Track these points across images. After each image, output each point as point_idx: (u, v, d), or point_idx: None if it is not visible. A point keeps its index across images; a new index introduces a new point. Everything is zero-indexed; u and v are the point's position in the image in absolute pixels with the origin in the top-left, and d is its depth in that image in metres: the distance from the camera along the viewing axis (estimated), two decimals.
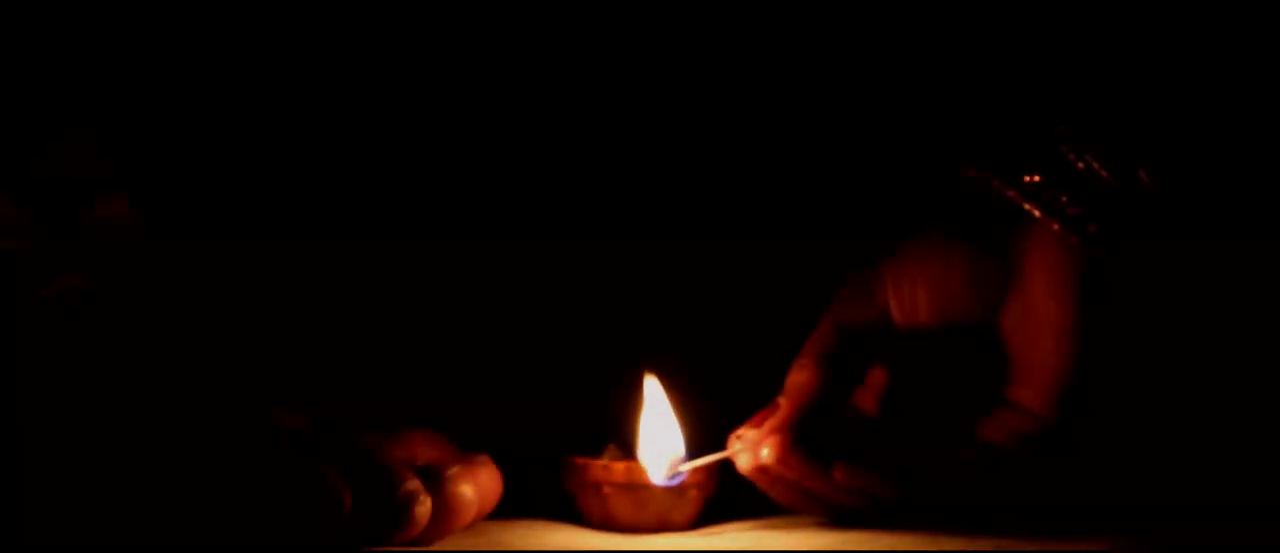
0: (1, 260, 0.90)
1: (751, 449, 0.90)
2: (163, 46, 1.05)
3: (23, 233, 0.92)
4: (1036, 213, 0.90)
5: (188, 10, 1.04)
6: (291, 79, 1.07)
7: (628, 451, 0.92)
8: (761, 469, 0.90)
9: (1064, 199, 0.89)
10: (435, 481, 0.84)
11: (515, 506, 0.90)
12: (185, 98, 1.06)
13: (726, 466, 0.92)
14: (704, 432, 0.93)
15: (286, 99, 1.07)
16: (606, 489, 0.91)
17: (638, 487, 0.91)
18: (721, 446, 0.92)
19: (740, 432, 0.91)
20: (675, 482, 0.91)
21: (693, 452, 0.92)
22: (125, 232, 1.01)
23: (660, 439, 0.91)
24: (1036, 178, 0.90)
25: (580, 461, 0.92)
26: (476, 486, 0.86)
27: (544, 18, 1.06)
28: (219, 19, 1.05)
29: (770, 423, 0.91)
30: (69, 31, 1.01)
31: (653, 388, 0.92)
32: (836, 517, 0.92)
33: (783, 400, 0.91)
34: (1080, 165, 0.89)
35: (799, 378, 0.91)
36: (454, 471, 0.85)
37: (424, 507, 0.83)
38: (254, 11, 1.05)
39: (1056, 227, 0.89)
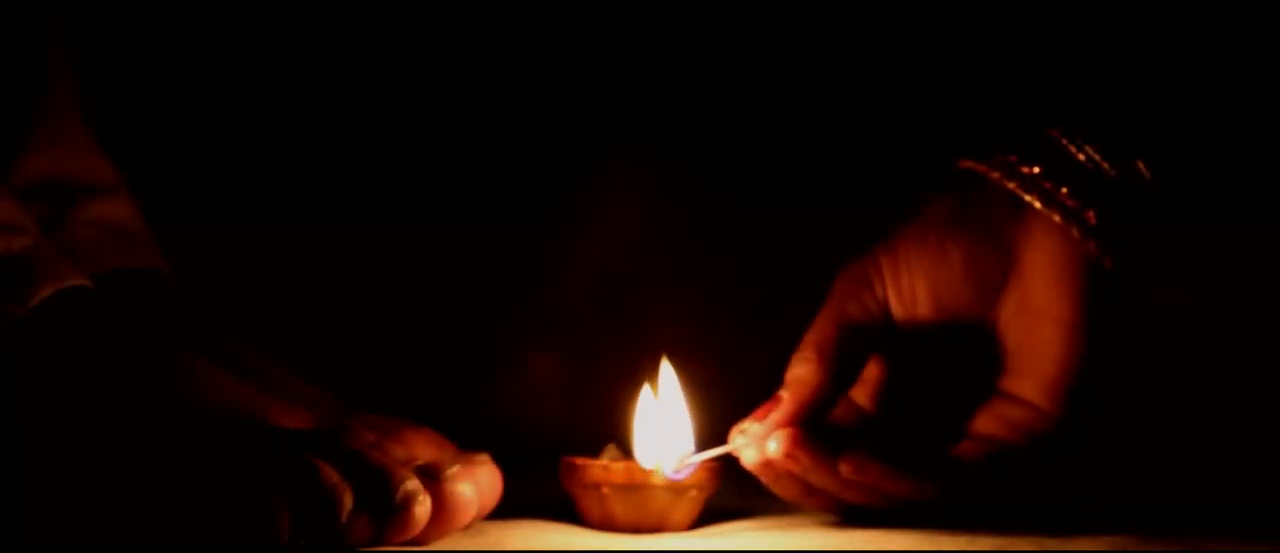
0: (1, 261, 0.90)
1: (757, 444, 0.88)
2: (160, 47, 1.05)
3: (23, 233, 0.92)
4: (1037, 204, 0.90)
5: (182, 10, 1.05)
6: (293, 80, 1.07)
7: (627, 451, 0.91)
8: (768, 464, 0.89)
9: (1064, 191, 0.89)
10: (435, 481, 0.84)
11: (515, 506, 0.90)
12: (182, 100, 1.06)
13: (726, 461, 0.91)
14: (701, 427, 0.92)
15: (289, 100, 1.07)
16: (605, 490, 0.90)
17: (637, 487, 0.90)
18: (717, 440, 0.91)
19: (743, 426, 0.90)
20: (682, 476, 0.90)
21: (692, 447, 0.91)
22: (125, 232, 1.01)
23: (668, 434, 0.90)
24: (1036, 169, 0.90)
25: (579, 461, 0.91)
26: (476, 486, 0.86)
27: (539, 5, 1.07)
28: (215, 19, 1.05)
29: (775, 416, 0.88)
30: (68, 30, 1.01)
31: (664, 381, 0.91)
32: (844, 513, 0.91)
33: (785, 394, 0.89)
34: (1081, 157, 0.89)
35: (802, 371, 0.89)
36: (454, 470, 0.85)
37: (423, 507, 0.83)
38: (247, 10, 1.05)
39: (1057, 218, 0.89)
